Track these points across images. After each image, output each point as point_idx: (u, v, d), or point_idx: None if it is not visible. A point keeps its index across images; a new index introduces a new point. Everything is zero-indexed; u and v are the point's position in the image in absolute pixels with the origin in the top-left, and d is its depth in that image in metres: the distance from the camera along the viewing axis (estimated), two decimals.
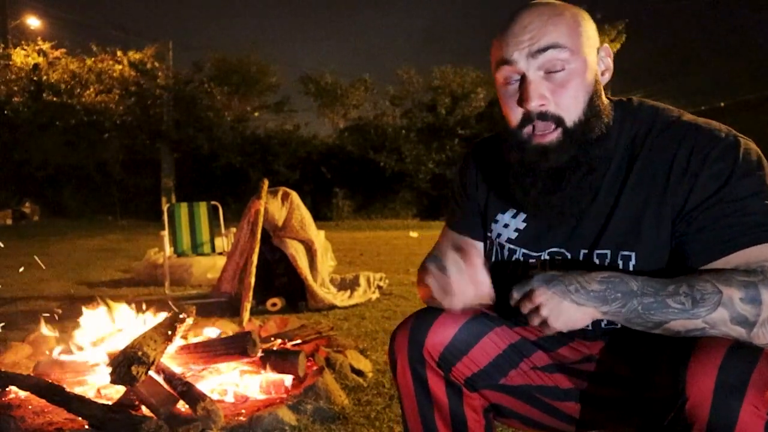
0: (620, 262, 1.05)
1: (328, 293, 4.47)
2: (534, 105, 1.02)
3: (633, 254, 1.04)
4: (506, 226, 1.20)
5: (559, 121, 1.03)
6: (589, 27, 1.06)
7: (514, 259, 1.19)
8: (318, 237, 4.76)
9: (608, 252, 1.07)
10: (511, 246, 1.19)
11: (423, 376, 1.14)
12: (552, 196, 1.05)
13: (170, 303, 2.73)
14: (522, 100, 1.03)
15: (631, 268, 1.05)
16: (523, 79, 1.03)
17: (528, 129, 1.05)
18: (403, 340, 1.14)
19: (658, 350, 1.00)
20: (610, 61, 1.09)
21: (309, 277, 4.29)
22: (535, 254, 1.16)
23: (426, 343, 1.12)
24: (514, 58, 1.03)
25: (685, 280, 0.91)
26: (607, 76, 1.09)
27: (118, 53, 18.38)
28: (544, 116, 1.02)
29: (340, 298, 4.47)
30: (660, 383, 0.89)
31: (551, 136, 1.03)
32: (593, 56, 1.06)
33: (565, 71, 1.02)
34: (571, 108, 1.02)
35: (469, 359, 1.12)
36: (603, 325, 1.12)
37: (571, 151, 1.03)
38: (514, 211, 1.20)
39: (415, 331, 1.13)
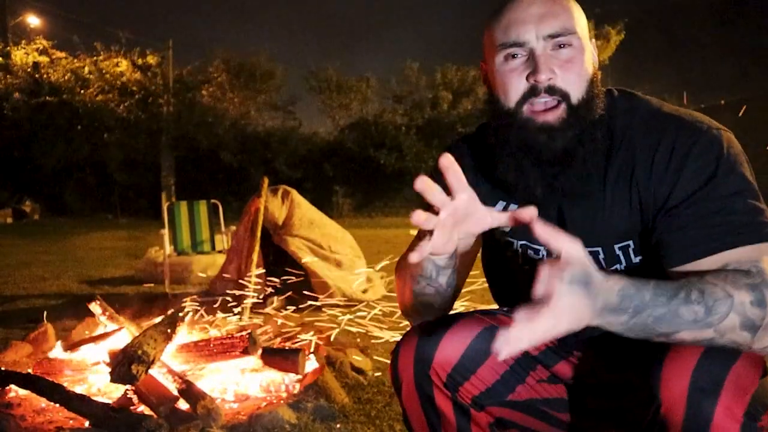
0: (619, 253, 1.04)
1: (338, 278, 4.37)
2: (544, 77, 1.00)
3: (631, 242, 1.04)
4: None
5: (564, 96, 1.01)
6: (584, 16, 1.08)
7: (512, 249, 1.18)
8: (337, 235, 4.73)
9: (600, 249, 1.06)
10: (508, 238, 1.18)
11: (431, 395, 1.10)
12: (557, 177, 1.02)
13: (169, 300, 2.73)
14: (532, 73, 1.01)
15: (632, 256, 1.04)
16: (532, 53, 1.01)
17: (527, 107, 1.02)
18: (409, 359, 1.10)
19: (637, 355, 0.98)
20: (596, 56, 1.10)
21: (316, 269, 4.26)
22: (535, 246, 1.15)
23: (433, 363, 1.07)
24: (524, 36, 1.01)
25: (693, 284, 0.84)
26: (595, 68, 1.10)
27: (119, 52, 18.39)
28: (552, 90, 1.01)
29: (358, 291, 4.42)
30: (638, 388, 0.88)
31: (556, 112, 1.01)
32: (590, 44, 1.07)
33: (571, 48, 1.01)
34: (576, 84, 1.01)
35: (477, 378, 1.09)
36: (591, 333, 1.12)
37: (576, 128, 1.01)
38: (504, 203, 1.17)
39: (421, 349, 1.09)
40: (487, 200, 1.19)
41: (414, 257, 0.89)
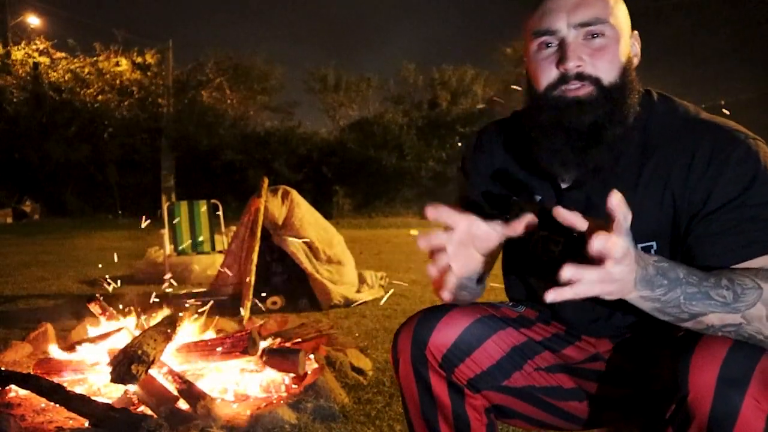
0: None
1: (338, 283, 4.40)
2: (572, 65, 1.02)
3: (654, 243, 1.05)
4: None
5: (595, 81, 1.03)
6: (624, 7, 1.08)
7: (534, 239, 1.20)
8: (337, 236, 4.76)
9: None
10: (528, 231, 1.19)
11: (425, 376, 1.13)
12: (587, 153, 1.03)
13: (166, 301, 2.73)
14: (560, 61, 1.03)
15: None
16: (562, 42, 1.04)
17: (559, 90, 1.04)
18: (407, 340, 1.14)
19: (661, 346, 0.99)
20: (638, 48, 1.11)
21: (315, 272, 4.27)
22: (556, 238, 1.16)
23: (429, 343, 1.11)
24: (555, 25, 1.03)
25: (723, 273, 0.89)
26: (636, 61, 1.10)
27: (117, 51, 18.42)
28: (581, 76, 1.02)
29: (352, 292, 4.45)
30: (662, 377, 0.89)
31: (587, 89, 1.03)
32: (628, 35, 1.07)
33: (604, 37, 1.03)
34: (607, 70, 1.03)
35: (471, 361, 1.12)
36: (614, 321, 1.13)
37: (607, 106, 1.02)
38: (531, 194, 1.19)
39: (418, 331, 1.13)
40: (517, 190, 1.21)
41: (446, 295, 0.99)
